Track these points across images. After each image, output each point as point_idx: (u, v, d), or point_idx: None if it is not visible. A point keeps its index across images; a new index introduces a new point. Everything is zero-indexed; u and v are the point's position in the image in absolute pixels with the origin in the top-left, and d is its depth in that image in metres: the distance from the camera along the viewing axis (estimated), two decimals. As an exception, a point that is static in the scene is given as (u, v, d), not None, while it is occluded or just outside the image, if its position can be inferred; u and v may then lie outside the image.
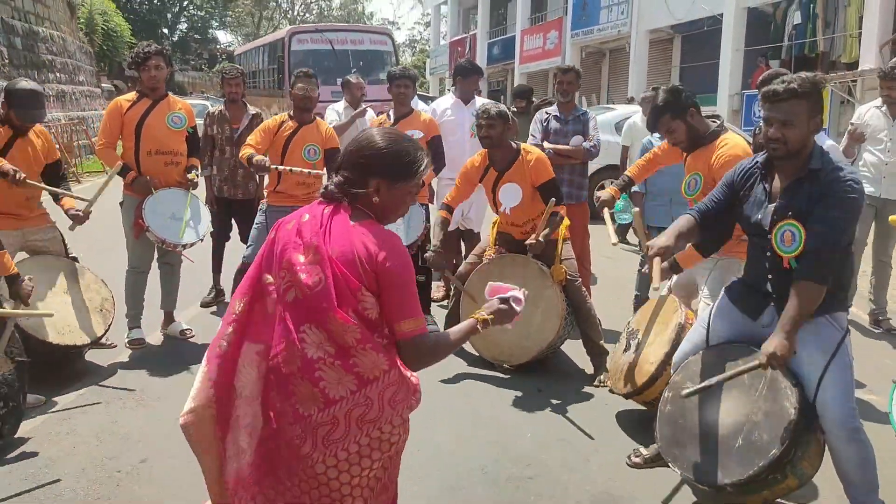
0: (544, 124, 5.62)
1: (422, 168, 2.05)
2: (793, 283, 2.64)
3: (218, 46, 53.73)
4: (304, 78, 5.11)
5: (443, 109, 5.96)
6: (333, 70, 16.76)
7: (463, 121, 5.84)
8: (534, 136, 5.63)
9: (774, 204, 2.75)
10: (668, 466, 3.16)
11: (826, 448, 2.78)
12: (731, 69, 15.73)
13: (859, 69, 12.75)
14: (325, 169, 4.92)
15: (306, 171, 4.71)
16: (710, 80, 16.26)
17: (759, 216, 2.79)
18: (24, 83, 4.24)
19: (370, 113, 7.00)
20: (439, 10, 35.21)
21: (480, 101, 6.46)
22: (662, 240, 2.99)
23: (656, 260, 2.95)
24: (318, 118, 5.18)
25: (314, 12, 57.84)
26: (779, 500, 2.90)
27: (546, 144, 5.44)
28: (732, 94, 15.61)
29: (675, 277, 3.87)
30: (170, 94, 4.95)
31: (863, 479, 2.72)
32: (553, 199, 4.25)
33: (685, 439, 2.91)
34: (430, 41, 39.13)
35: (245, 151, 4.77)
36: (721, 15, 15.82)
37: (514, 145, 4.50)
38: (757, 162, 2.88)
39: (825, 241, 2.59)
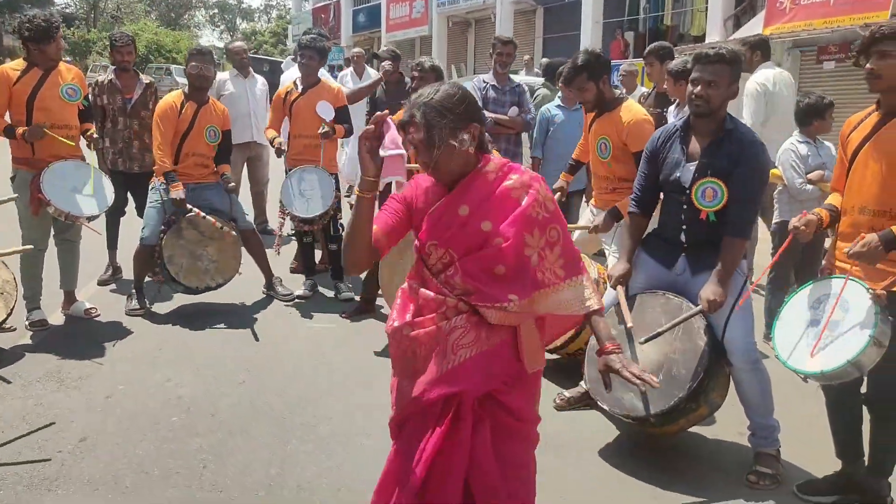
0: (483, 93, 5.72)
1: None
2: (723, 240, 3.02)
3: (55, 7, 49.11)
4: (199, 55, 5.02)
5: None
6: None
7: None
8: None
9: (694, 163, 3.10)
10: (590, 407, 3.52)
11: (731, 378, 3.21)
12: (592, 41, 16.54)
13: (706, 42, 13.84)
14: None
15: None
16: (571, 51, 16.87)
17: (678, 174, 3.14)
18: None
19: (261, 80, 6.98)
20: (300, -26, 34.26)
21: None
22: (620, 267, 3.33)
23: (621, 292, 3.28)
24: (211, 97, 5.15)
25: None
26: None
27: (486, 113, 5.55)
28: (593, 64, 16.46)
29: (576, 234, 4.27)
30: (60, 62, 4.68)
31: (761, 402, 3.15)
32: None
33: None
34: (292, 7, 37.99)
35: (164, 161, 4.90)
36: (581, -12, 16.59)
37: None
38: (676, 126, 3.23)
39: (747, 202, 3.01)
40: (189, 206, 4.85)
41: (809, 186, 4.48)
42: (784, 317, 2.72)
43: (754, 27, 12.86)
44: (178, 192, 4.77)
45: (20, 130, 4.38)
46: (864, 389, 2.82)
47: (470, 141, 2.01)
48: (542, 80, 7.56)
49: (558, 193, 4.41)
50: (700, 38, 14.55)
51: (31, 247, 4.25)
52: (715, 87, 3.02)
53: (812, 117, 4.53)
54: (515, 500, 2.06)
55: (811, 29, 11.43)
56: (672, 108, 5.19)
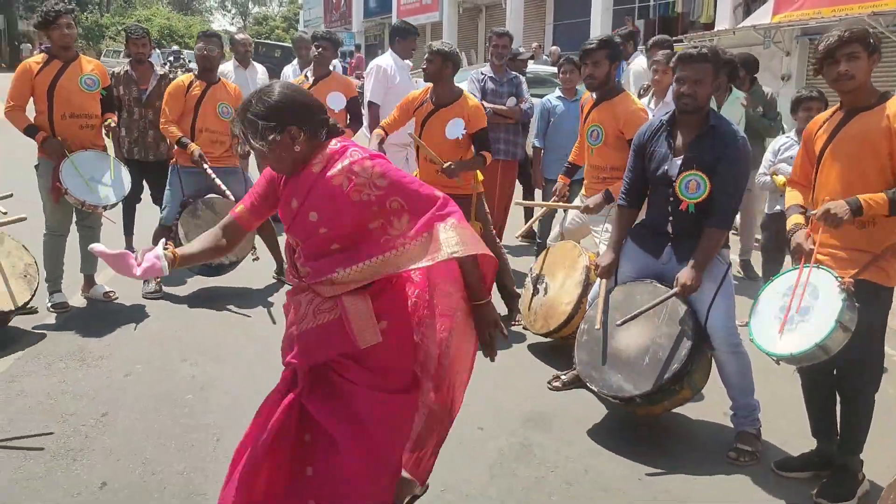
0: (481, 84, 5.90)
1: None
2: (704, 229, 3.19)
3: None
4: (204, 38, 5.23)
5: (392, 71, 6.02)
6: None
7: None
8: (474, 95, 5.77)
9: (680, 157, 3.26)
10: (586, 387, 3.69)
11: (713, 363, 3.38)
12: (602, 27, 16.59)
13: (715, 29, 13.86)
14: None
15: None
16: (581, 37, 17.01)
17: (666, 167, 3.30)
18: None
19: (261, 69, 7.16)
20: (311, -41, 34.28)
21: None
22: (607, 257, 3.51)
23: (604, 285, 3.48)
24: (222, 78, 5.35)
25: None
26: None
27: (485, 104, 5.70)
28: (602, 50, 16.56)
29: (568, 221, 4.46)
30: (80, 54, 4.89)
31: (742, 383, 3.33)
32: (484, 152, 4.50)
33: (600, 363, 3.42)
34: (303, -8, 38.04)
35: (171, 130, 5.07)
36: (591, -26, 16.63)
37: (456, 87, 4.62)
38: (662, 121, 3.38)
39: (730, 194, 3.18)
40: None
41: (763, 179, 4.68)
42: (760, 303, 2.89)
43: (763, 15, 12.88)
44: (196, 149, 5.01)
45: (40, 137, 4.63)
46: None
47: (287, 142, 2.11)
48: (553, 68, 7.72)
49: (554, 197, 4.63)
50: (710, 26, 14.56)
51: (24, 216, 4.19)
52: (701, 84, 3.17)
53: (793, 112, 4.63)
54: (352, 455, 2.21)
55: (819, 17, 11.43)
56: (645, 99, 5.33)
